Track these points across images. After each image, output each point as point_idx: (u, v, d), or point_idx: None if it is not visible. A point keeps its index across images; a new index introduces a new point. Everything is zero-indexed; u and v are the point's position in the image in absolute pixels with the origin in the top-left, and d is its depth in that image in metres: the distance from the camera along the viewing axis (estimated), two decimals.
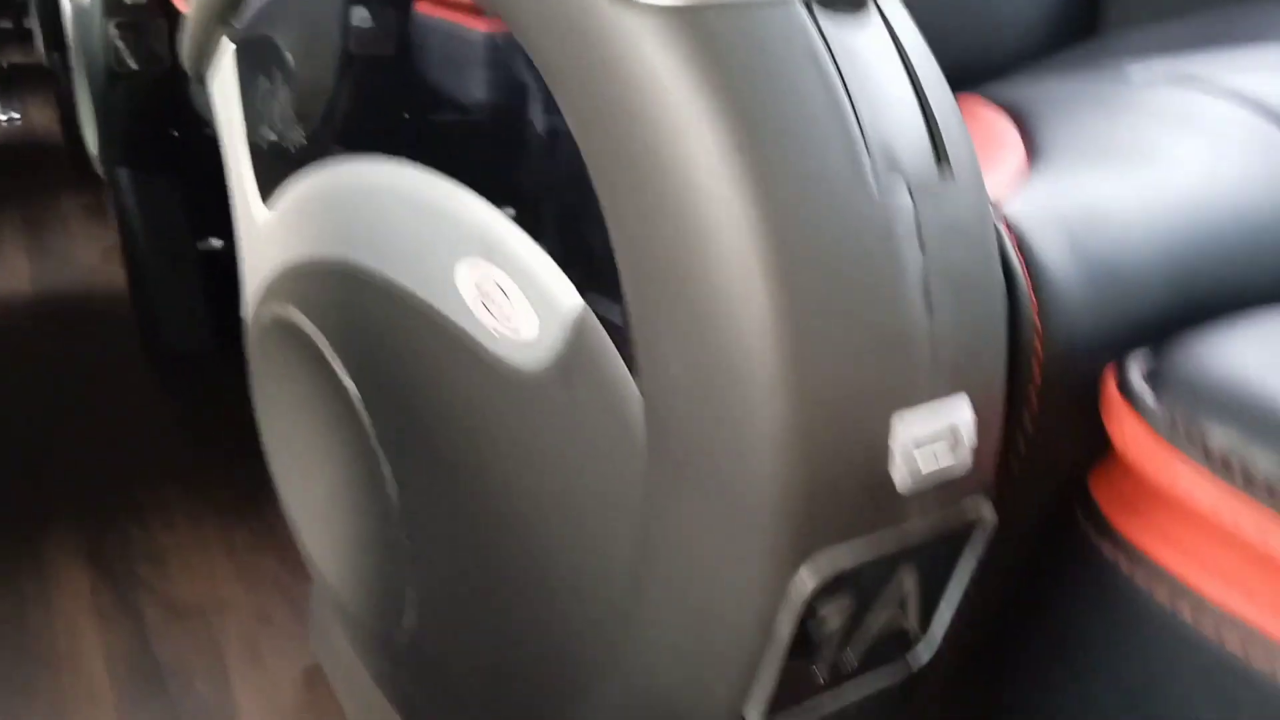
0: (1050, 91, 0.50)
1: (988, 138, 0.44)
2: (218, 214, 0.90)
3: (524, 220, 0.44)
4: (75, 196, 2.28)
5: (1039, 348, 0.36)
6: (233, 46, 0.77)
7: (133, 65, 1.42)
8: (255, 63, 0.75)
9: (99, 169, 1.76)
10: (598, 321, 0.39)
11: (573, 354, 0.40)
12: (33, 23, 2.52)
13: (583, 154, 0.34)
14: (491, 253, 0.44)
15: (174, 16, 1.42)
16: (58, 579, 1.15)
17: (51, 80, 2.51)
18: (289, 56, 0.70)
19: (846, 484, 0.32)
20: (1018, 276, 0.36)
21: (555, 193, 0.50)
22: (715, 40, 0.30)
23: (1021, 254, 0.36)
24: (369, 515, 0.67)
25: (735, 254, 0.30)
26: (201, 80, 0.85)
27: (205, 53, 0.81)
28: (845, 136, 0.31)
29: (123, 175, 1.62)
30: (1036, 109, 0.46)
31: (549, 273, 0.41)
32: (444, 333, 0.48)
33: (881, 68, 0.32)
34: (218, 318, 1.64)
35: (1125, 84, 0.50)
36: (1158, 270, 0.38)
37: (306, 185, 0.65)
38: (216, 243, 1.68)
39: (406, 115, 0.57)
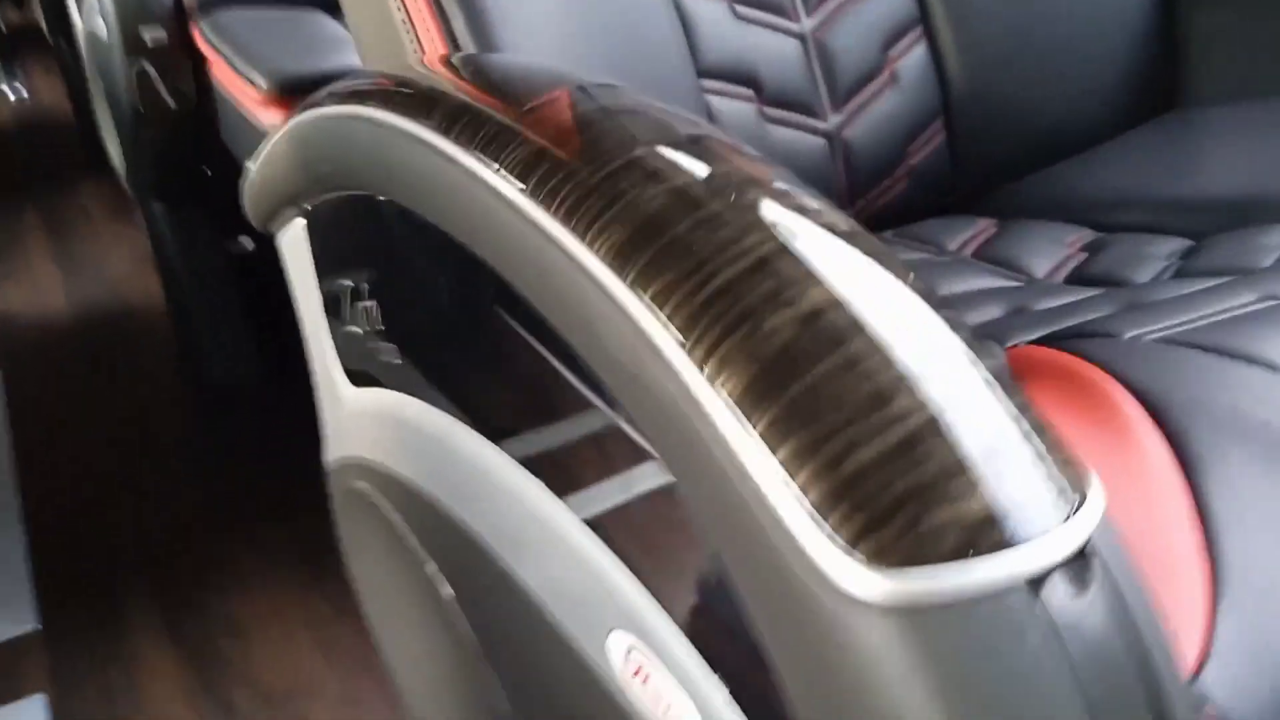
0: (1191, 384, 0.48)
1: (1145, 495, 0.43)
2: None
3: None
4: (95, 189, 2.24)
5: None
6: (304, 222, 0.74)
7: (165, 104, 1.38)
8: (340, 257, 0.73)
9: (125, 185, 1.73)
10: None
11: None
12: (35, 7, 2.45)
13: None
14: (645, 634, 0.44)
15: (198, 56, 1.38)
16: (142, 660, 1.17)
17: (54, 50, 2.44)
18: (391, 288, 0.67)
19: None
20: None
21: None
22: (939, 643, 0.30)
23: None
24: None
25: None
26: (267, 231, 0.83)
27: (272, 217, 0.79)
28: None
29: (156, 208, 1.59)
30: (1193, 439, 0.44)
31: (702, 672, 0.41)
32: (588, 676, 0.48)
33: (1110, 648, 0.31)
34: (261, 346, 1.63)
35: None
36: None
37: (408, 415, 0.63)
38: (248, 244, 1.66)
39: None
